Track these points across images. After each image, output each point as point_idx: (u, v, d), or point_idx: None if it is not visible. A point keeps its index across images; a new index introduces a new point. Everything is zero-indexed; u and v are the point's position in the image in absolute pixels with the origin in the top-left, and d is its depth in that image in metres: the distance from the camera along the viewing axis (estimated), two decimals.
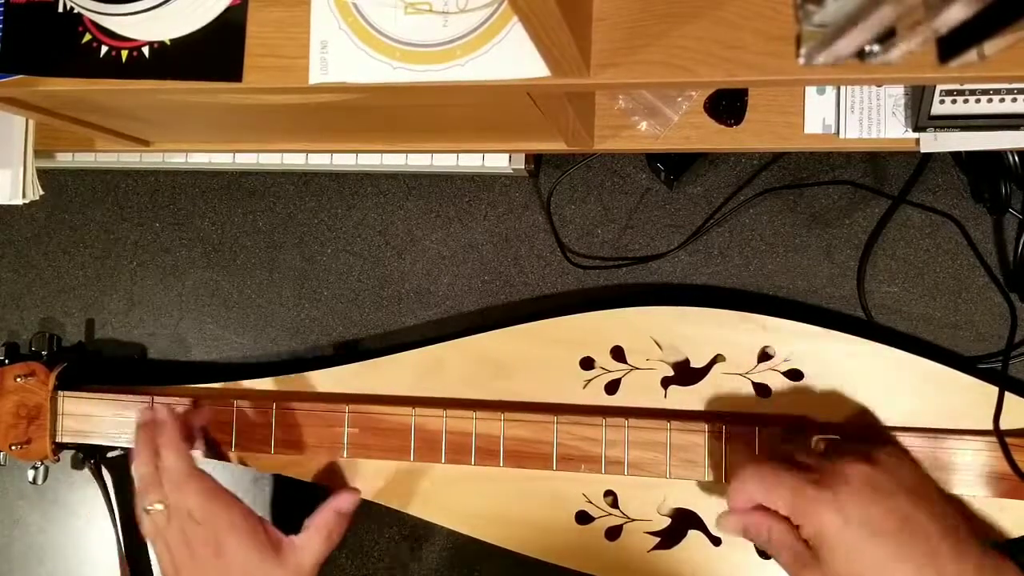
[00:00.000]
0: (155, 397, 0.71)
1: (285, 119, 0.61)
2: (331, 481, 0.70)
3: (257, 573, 0.61)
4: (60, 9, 0.49)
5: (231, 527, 0.61)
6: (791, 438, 0.61)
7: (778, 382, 0.64)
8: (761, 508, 0.55)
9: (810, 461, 0.56)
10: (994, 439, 0.60)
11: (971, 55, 0.33)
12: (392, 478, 0.69)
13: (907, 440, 0.61)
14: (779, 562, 0.56)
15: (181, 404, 0.70)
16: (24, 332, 0.82)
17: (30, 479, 0.74)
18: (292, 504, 0.76)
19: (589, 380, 0.67)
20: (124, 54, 0.48)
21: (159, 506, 0.62)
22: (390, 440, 0.67)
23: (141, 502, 0.64)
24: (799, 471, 0.55)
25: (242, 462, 0.71)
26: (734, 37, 0.42)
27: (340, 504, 0.66)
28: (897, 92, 0.58)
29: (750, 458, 0.60)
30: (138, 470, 0.64)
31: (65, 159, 0.76)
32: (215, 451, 0.71)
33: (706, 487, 0.64)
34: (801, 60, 0.37)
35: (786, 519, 0.54)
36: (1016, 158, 0.60)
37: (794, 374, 0.64)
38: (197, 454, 0.68)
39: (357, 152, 0.71)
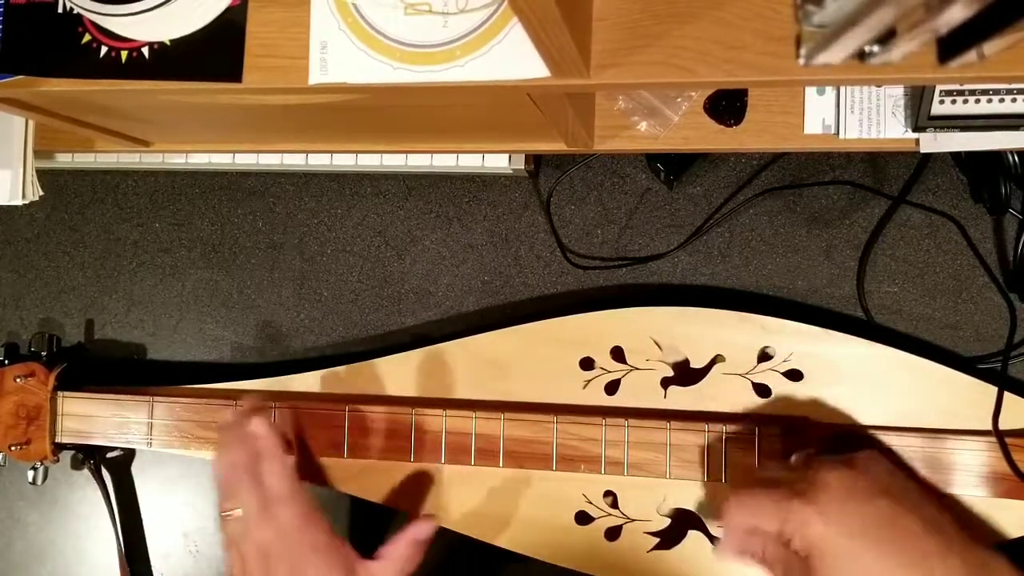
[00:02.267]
0: (155, 397, 0.71)
1: (285, 119, 0.61)
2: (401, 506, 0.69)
3: None
4: (60, 9, 0.49)
5: (314, 548, 0.60)
6: (770, 460, 0.62)
7: (778, 382, 0.64)
8: (753, 531, 0.56)
9: (789, 476, 0.56)
10: (994, 439, 0.60)
11: (971, 55, 0.33)
12: (391, 478, 0.69)
13: (907, 440, 0.61)
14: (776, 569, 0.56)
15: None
16: (24, 332, 0.82)
17: (30, 479, 0.74)
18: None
19: (589, 380, 0.67)
20: (124, 54, 0.48)
21: (238, 511, 0.60)
22: (389, 440, 0.67)
23: (221, 506, 0.61)
24: (780, 488, 0.55)
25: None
26: (734, 37, 0.42)
27: (418, 533, 0.64)
28: (897, 92, 0.58)
29: (732, 490, 0.59)
30: (223, 472, 0.62)
31: (65, 159, 0.76)
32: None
33: (706, 487, 0.64)
34: (801, 60, 0.37)
35: (777, 536, 0.55)
36: (1016, 158, 0.60)
37: (794, 374, 0.64)
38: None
39: (357, 152, 0.71)
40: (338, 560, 0.61)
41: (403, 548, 0.63)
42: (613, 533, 0.66)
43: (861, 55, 0.34)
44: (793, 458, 0.59)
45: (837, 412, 0.63)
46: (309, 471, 0.69)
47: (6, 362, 0.75)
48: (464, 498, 0.68)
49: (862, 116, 0.59)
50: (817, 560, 0.53)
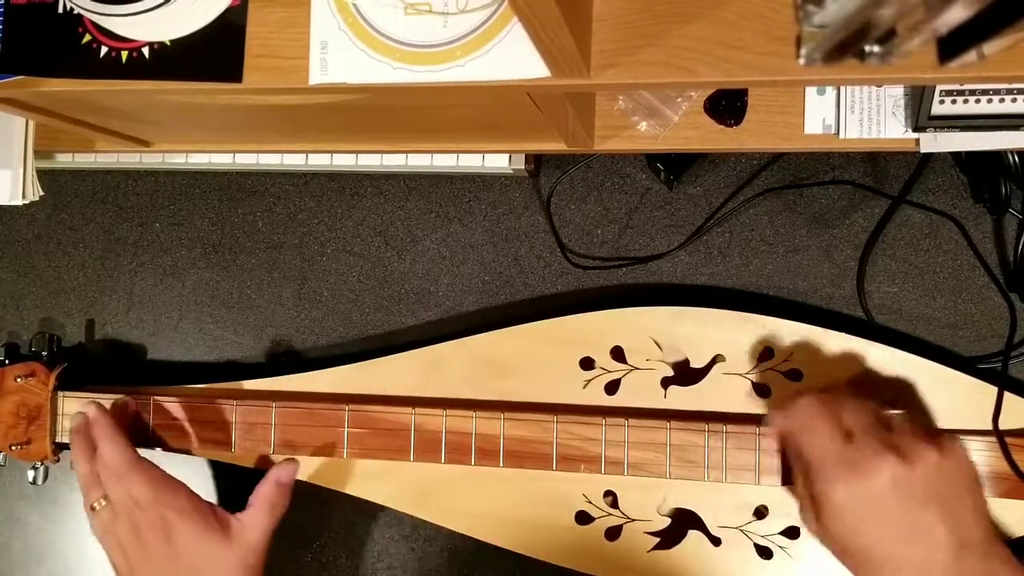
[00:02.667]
0: (155, 397, 0.71)
1: (285, 120, 0.61)
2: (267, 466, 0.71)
3: (208, 555, 0.62)
4: (60, 10, 0.49)
5: (179, 511, 0.62)
6: (864, 399, 0.59)
7: (778, 382, 0.64)
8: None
9: (857, 429, 0.55)
10: (994, 439, 0.60)
11: (971, 55, 0.33)
12: (391, 478, 0.69)
13: None
14: (794, 482, 0.59)
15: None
16: (24, 332, 0.82)
17: (30, 479, 0.74)
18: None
19: (589, 380, 0.67)
20: (124, 55, 0.48)
21: (103, 502, 0.64)
22: (390, 440, 0.67)
23: (86, 502, 0.65)
24: (841, 437, 0.55)
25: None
26: (734, 37, 0.42)
27: (279, 476, 0.67)
28: (897, 92, 0.58)
29: (812, 394, 0.59)
30: (77, 470, 0.66)
31: (65, 159, 0.76)
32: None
33: (706, 487, 0.64)
34: (801, 60, 0.37)
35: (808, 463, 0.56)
36: (1016, 158, 0.60)
37: (794, 374, 0.64)
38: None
39: (357, 152, 0.71)
40: (206, 518, 0.63)
41: (268, 490, 0.66)
42: (613, 533, 0.66)
43: (861, 55, 0.34)
44: (889, 413, 0.58)
45: None
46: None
47: (7, 362, 0.75)
48: (464, 498, 0.68)
49: (862, 116, 0.59)
50: (827, 513, 0.55)
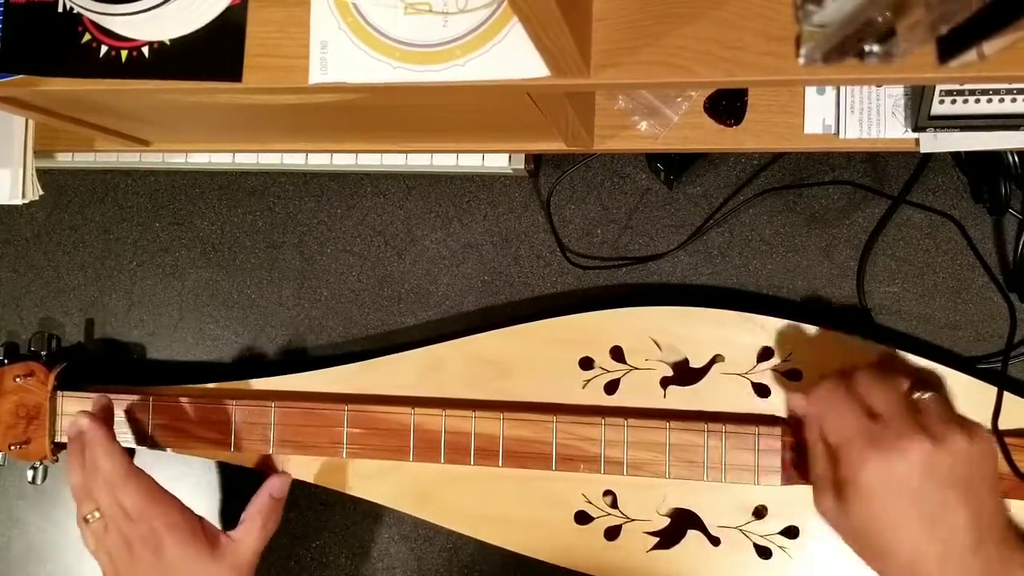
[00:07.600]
0: (154, 397, 0.71)
1: (285, 119, 0.61)
2: (267, 468, 0.71)
3: (195, 571, 0.62)
4: (60, 9, 0.49)
5: (168, 526, 0.62)
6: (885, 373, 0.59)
7: (778, 382, 0.64)
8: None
9: (885, 410, 0.55)
10: (993, 439, 0.60)
11: (971, 55, 0.33)
12: (391, 478, 0.69)
13: None
14: (811, 465, 0.58)
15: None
16: (24, 332, 0.82)
17: (29, 479, 0.74)
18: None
19: (588, 380, 0.67)
20: (124, 54, 0.48)
21: (96, 514, 0.63)
22: (389, 440, 0.67)
23: (79, 514, 0.64)
24: (868, 417, 0.55)
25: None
26: (734, 37, 0.42)
27: (272, 490, 0.67)
28: (897, 92, 0.58)
29: (836, 375, 0.59)
30: (70, 481, 0.65)
31: (65, 159, 0.76)
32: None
33: (705, 487, 0.64)
34: (801, 60, 0.37)
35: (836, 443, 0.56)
36: (1016, 158, 0.60)
37: (794, 374, 0.64)
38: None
39: (357, 152, 0.71)
40: (195, 533, 0.63)
41: (261, 503, 0.66)
42: (612, 533, 0.66)
43: (861, 55, 0.34)
44: (916, 395, 0.57)
45: None
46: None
47: (6, 361, 0.74)
48: (464, 498, 0.68)
49: (862, 116, 0.59)
50: (854, 497, 0.54)
